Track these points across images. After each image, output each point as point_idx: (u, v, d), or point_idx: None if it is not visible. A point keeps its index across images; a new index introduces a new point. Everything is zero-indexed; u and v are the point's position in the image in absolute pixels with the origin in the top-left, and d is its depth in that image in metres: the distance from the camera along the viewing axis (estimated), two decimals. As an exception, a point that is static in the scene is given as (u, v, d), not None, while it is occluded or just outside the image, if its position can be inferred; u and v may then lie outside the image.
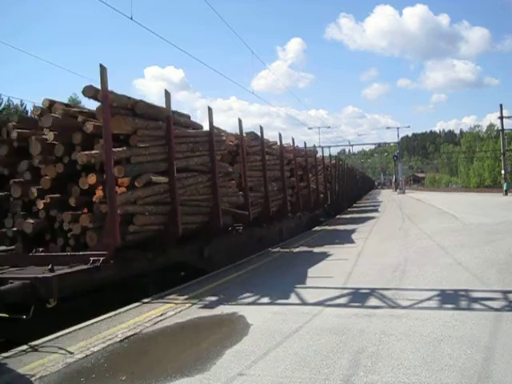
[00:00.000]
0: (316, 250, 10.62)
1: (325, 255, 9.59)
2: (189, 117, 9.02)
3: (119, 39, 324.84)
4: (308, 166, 16.71)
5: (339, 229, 16.08)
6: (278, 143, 13.82)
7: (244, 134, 11.19)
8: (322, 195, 19.51)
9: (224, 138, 9.66)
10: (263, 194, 11.66)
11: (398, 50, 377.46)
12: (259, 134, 12.08)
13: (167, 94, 7.46)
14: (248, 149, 10.90)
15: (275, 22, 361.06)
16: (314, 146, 20.31)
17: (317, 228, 17.26)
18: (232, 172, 9.61)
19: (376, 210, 24.85)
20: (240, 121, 10.56)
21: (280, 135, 13.74)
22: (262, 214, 11.63)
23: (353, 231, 14.51)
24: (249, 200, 10.22)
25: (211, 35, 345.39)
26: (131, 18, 8.74)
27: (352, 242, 11.80)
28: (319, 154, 21.75)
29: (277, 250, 11.11)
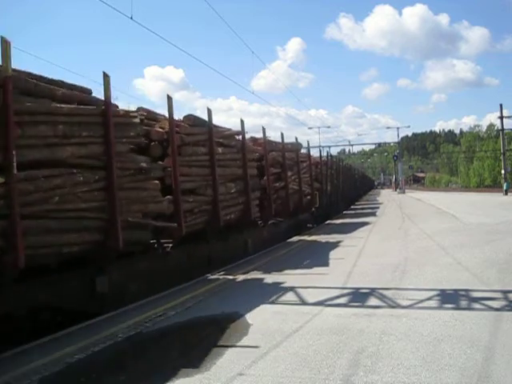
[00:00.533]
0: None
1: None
2: (89, 92, 6.23)
3: (119, 39, 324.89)
4: (286, 162, 13.78)
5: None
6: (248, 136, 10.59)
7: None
8: (308, 197, 16.51)
9: (137, 120, 6.76)
10: (211, 197, 8.62)
11: (397, 49, 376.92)
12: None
13: (4, 43, 4.73)
14: (185, 137, 7.99)
15: (275, 22, 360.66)
16: (296, 139, 16.33)
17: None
18: (150, 168, 6.83)
19: (373, 214, 23.13)
20: (169, 98, 7.58)
21: (242, 122, 10.49)
22: (210, 224, 8.67)
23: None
24: (181, 207, 7.40)
25: (211, 35, 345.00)
26: (131, 18, 8.74)
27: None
28: (305, 150, 18.06)
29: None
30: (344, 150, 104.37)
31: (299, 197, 15.17)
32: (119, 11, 8.58)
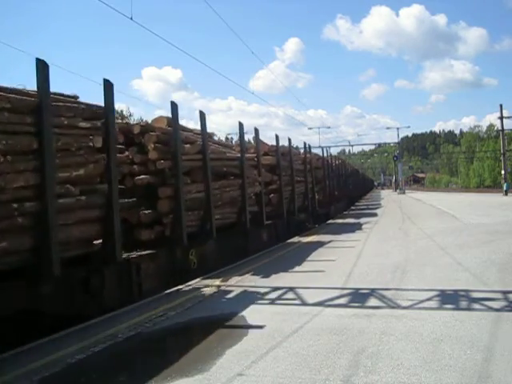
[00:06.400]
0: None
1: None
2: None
3: (117, 39, 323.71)
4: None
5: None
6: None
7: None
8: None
9: None
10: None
11: (395, 50, 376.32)
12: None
13: None
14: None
15: (273, 22, 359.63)
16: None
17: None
18: None
19: (374, 214, 21.07)
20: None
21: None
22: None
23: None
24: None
25: (209, 35, 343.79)
26: (131, 19, 8.76)
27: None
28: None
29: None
30: (344, 150, 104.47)
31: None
32: (119, 11, 8.59)
